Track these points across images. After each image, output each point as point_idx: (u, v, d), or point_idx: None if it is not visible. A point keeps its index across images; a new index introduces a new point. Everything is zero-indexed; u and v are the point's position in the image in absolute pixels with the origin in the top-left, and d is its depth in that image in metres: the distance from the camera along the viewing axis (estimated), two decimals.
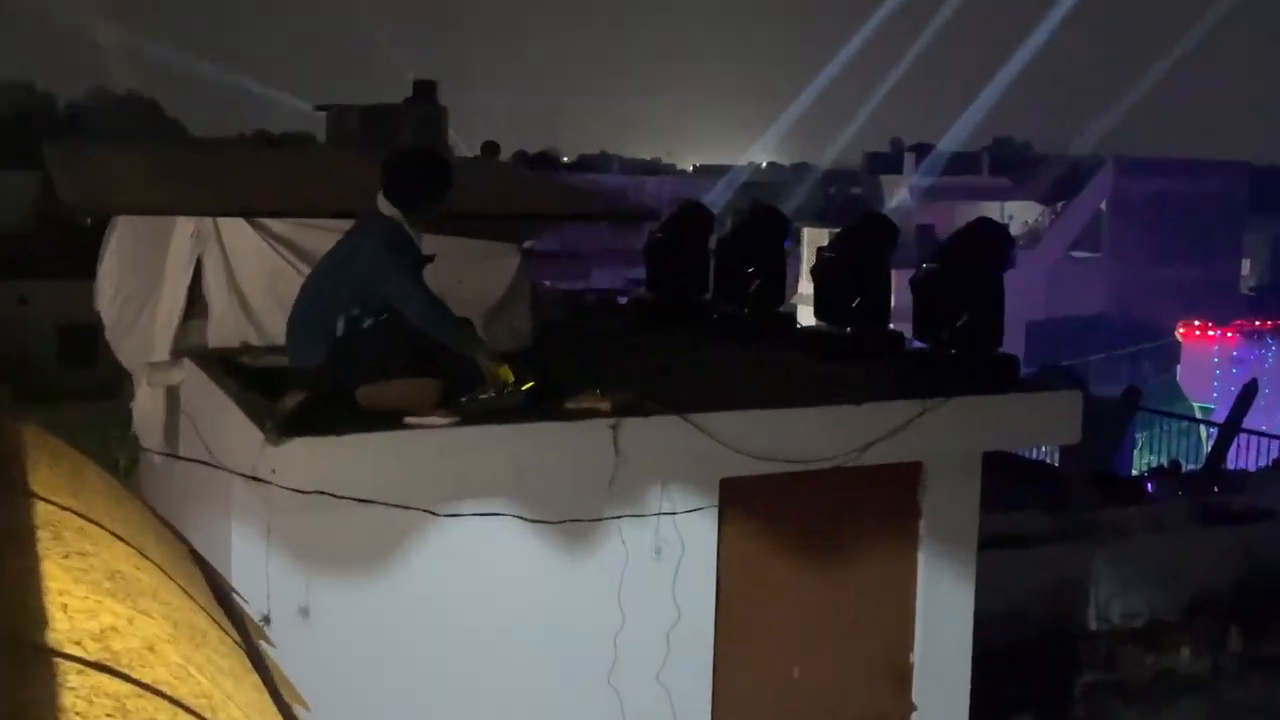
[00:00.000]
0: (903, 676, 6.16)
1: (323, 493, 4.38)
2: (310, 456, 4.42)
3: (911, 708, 6.17)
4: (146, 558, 1.87)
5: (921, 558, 6.13)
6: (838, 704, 6.04)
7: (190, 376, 5.85)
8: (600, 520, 5.31)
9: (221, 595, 2.36)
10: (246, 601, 3.28)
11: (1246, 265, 44.56)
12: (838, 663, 6.01)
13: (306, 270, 5.61)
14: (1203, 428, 18.63)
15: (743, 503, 5.65)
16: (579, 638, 5.38)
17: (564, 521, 5.25)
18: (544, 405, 4.98)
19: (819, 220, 36.46)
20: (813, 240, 31.32)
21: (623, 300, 10.91)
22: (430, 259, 5.20)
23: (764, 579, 5.82)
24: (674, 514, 5.47)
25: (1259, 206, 43.84)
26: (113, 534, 1.85)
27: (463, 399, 4.88)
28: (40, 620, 1.35)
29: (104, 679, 1.26)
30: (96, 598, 1.48)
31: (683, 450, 5.08)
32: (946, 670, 6.24)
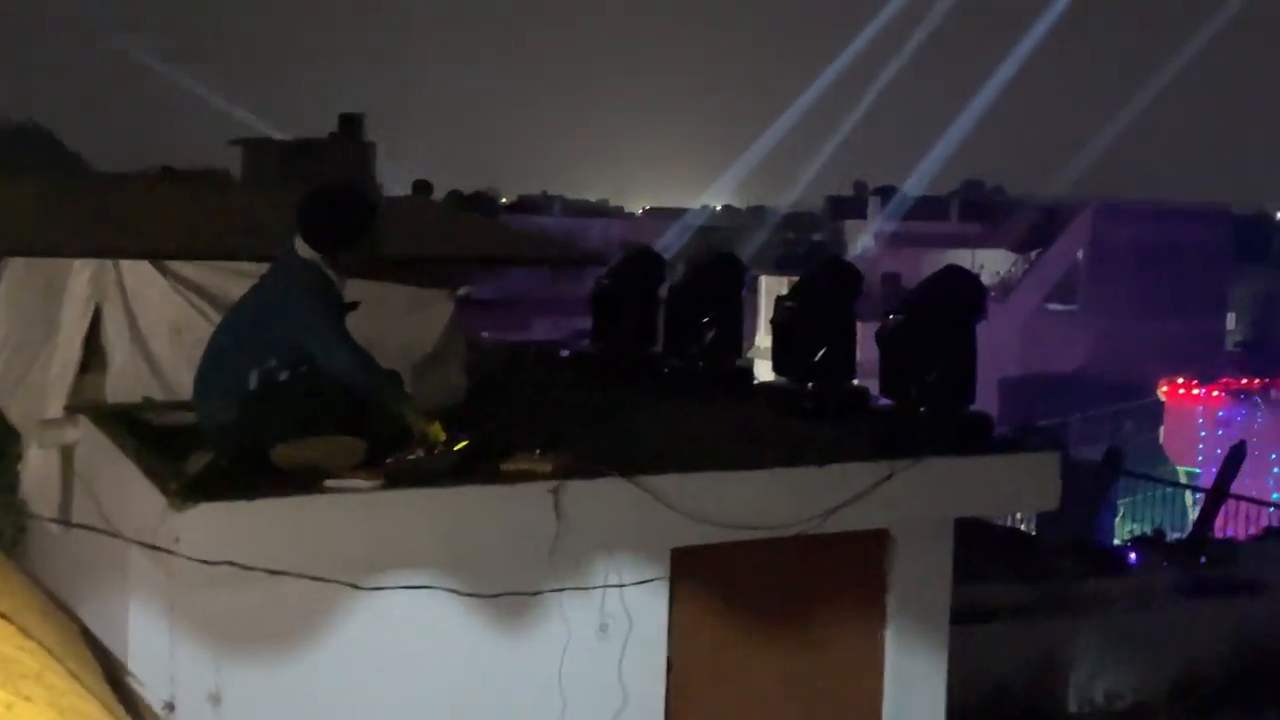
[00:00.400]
0: None
1: (232, 564, 4.30)
2: (218, 523, 4.34)
3: None
4: (30, 637, 1.81)
5: (889, 633, 6.12)
6: None
7: (86, 435, 5.75)
8: (540, 594, 5.25)
9: (114, 678, 2.30)
10: (144, 686, 3.20)
11: (1231, 319, 45.40)
12: None
13: (217, 318, 5.55)
14: (1189, 493, 18.85)
15: (696, 574, 5.61)
16: None
17: (500, 595, 5.19)
18: (478, 467, 4.94)
19: (777, 268, 36.80)
20: (771, 289, 31.58)
21: (566, 353, 10.88)
22: (354, 306, 5.16)
23: (719, 657, 5.78)
24: (621, 586, 5.42)
25: (1243, 256, 44.79)
26: None
27: (389, 460, 4.82)
28: None
29: None
30: None
31: (630, 516, 5.05)
32: None
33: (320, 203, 5.25)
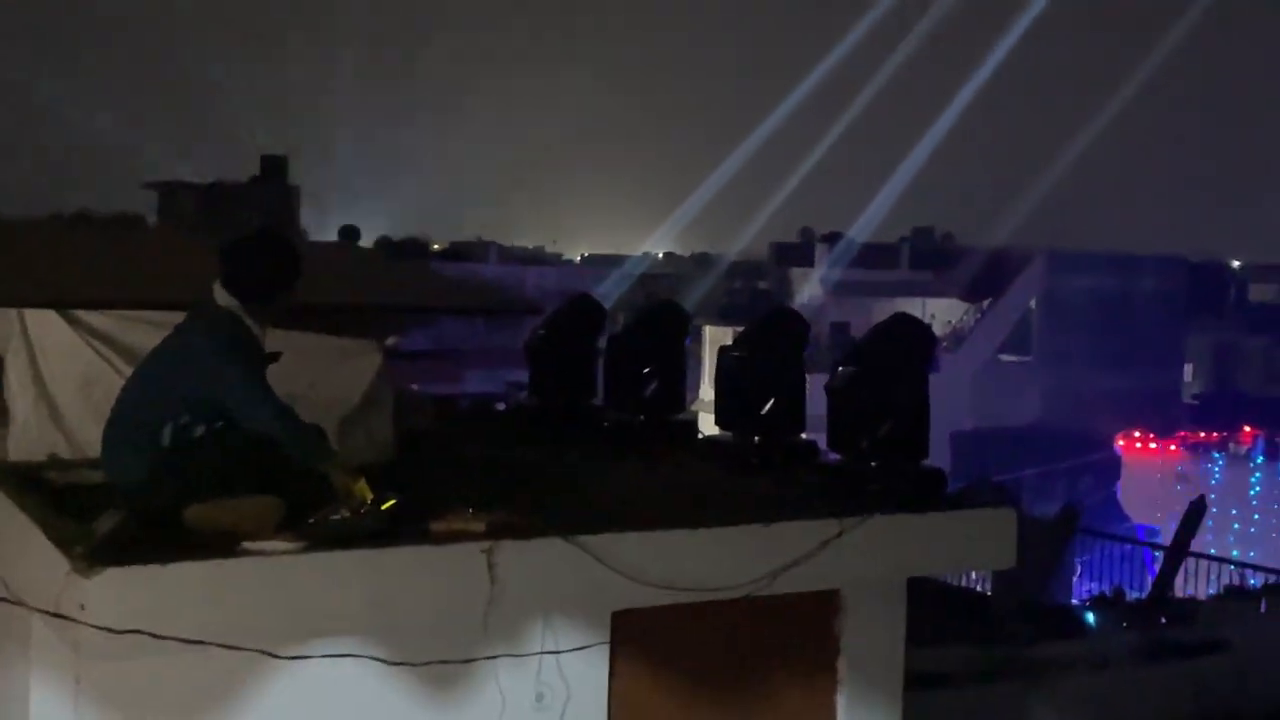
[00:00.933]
0: None
1: (142, 632, 4.21)
2: (128, 589, 4.25)
3: None
4: None
5: (841, 700, 6.10)
6: None
7: None
8: (472, 661, 5.20)
9: None
10: None
11: (1189, 370, 46.16)
12: None
13: (129, 371, 5.47)
14: (1148, 551, 19.06)
15: (638, 638, 5.58)
16: None
17: (429, 664, 5.12)
18: (406, 527, 4.88)
19: (722, 317, 37.04)
20: (715, 339, 31.73)
21: (501, 406, 10.84)
22: (276, 357, 5.10)
23: None
24: (558, 653, 5.38)
25: (1199, 308, 45.62)
26: None
27: (311, 520, 4.75)
28: None
29: None
30: None
31: (569, 578, 5.01)
32: None
33: (243, 249, 5.18)
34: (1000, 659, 9.90)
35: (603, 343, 7.94)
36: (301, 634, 4.76)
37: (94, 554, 4.27)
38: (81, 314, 5.97)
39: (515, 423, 8.46)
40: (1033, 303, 41.77)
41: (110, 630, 4.17)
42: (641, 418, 7.39)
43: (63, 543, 4.43)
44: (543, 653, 5.34)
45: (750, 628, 5.80)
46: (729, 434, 6.90)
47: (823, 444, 6.71)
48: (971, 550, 6.43)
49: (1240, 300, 53.86)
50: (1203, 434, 28.27)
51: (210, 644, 4.40)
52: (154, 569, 4.32)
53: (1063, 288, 41.16)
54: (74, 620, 4.18)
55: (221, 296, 5.04)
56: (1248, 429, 27.74)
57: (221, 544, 4.54)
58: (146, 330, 5.73)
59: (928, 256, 47.92)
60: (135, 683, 4.72)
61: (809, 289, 43.77)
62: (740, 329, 7.68)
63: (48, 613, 4.32)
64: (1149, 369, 40.64)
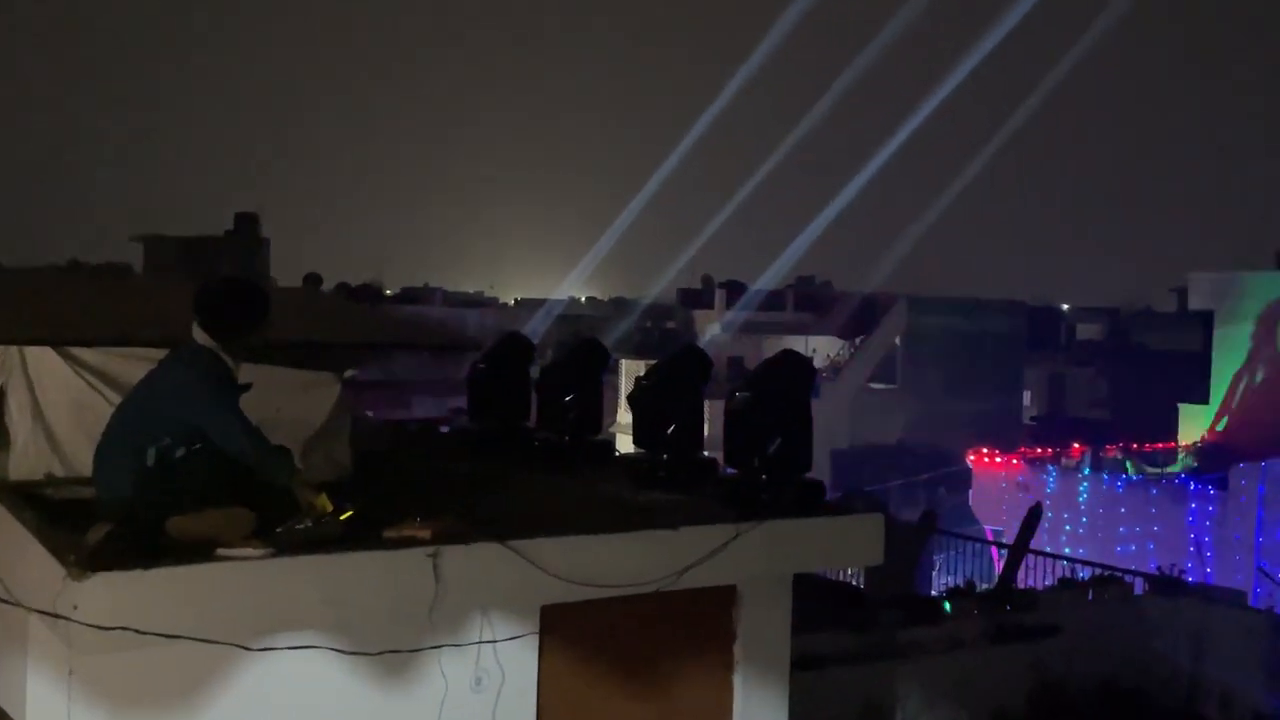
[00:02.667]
0: None
1: (127, 629, 4.12)
2: (115, 591, 4.16)
3: None
4: None
5: (737, 680, 6.12)
6: None
7: None
8: (419, 651, 5.14)
9: None
10: None
11: (1027, 396, 46.99)
12: None
13: (117, 400, 5.36)
14: (994, 549, 19.32)
15: (563, 629, 5.56)
16: None
17: (382, 653, 5.06)
18: (362, 534, 4.82)
19: (636, 352, 37.06)
20: (630, 371, 31.75)
21: (445, 429, 10.76)
22: (247, 388, 5.04)
23: (585, 705, 5.70)
24: (494, 642, 5.34)
25: (1036, 344, 46.54)
26: None
27: (278, 529, 4.69)
28: None
29: None
30: None
31: (503, 578, 4.98)
32: None
33: (215, 294, 5.12)
34: (872, 643, 9.97)
35: (534, 373, 7.92)
36: (269, 629, 4.69)
37: (85, 561, 4.18)
38: (75, 350, 5.85)
39: (457, 443, 8.40)
40: (897, 340, 42.32)
41: (100, 628, 4.08)
42: (566, 438, 7.37)
43: (58, 551, 4.33)
44: (480, 642, 5.30)
45: (660, 618, 5.80)
46: (641, 452, 6.90)
47: (722, 461, 6.75)
48: (847, 550, 6.48)
49: (1069, 338, 55.01)
50: (1039, 450, 28.70)
51: (188, 638, 4.32)
52: (138, 573, 4.23)
53: (922, 327, 41.77)
54: (67, 619, 4.09)
55: (199, 336, 4.98)
56: (1076, 445, 28.23)
57: (199, 551, 4.46)
58: (133, 364, 5.63)
59: (810, 300, 48.47)
60: (122, 674, 4.62)
61: (710, 328, 43.99)
62: (652, 362, 7.71)
63: (44, 613, 4.22)
64: (994, 395, 41.34)
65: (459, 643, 5.23)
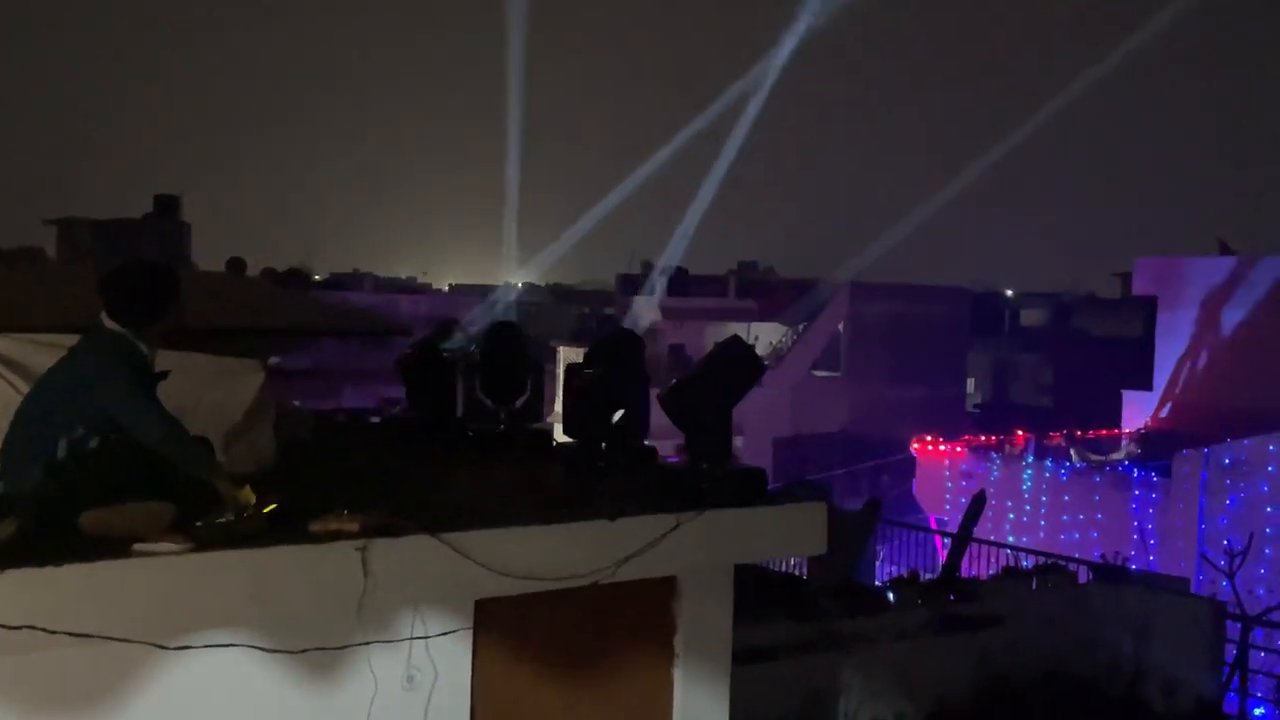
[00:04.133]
0: None
1: (34, 628, 4.03)
2: (23, 589, 4.05)
3: None
4: None
5: (678, 673, 6.12)
6: None
7: None
8: (347, 648, 5.08)
9: None
10: None
11: (971, 384, 47.58)
12: None
13: (25, 389, 5.24)
14: (938, 538, 19.56)
15: (498, 624, 5.52)
16: None
17: (307, 650, 4.99)
18: (287, 528, 4.76)
19: (573, 340, 36.97)
20: (568, 358, 31.63)
21: (377, 419, 10.66)
22: (164, 375, 4.95)
23: (521, 702, 5.68)
24: (426, 638, 5.29)
25: (979, 330, 47.11)
26: None
27: (198, 523, 4.61)
28: None
29: None
30: None
31: (436, 571, 4.93)
32: None
33: (120, 279, 4.99)
34: (816, 633, 10.03)
35: (467, 361, 7.86)
36: (189, 627, 4.60)
37: None
38: None
39: (388, 433, 8.33)
40: (840, 326, 42.61)
41: (7, 627, 3.98)
42: (501, 427, 7.34)
43: None
44: (412, 639, 5.25)
45: (599, 611, 5.79)
46: (579, 441, 6.87)
47: (663, 449, 6.75)
48: (789, 539, 6.50)
49: (1013, 324, 55.72)
50: (983, 438, 29.06)
51: (102, 638, 4.24)
52: (48, 571, 4.13)
53: (865, 314, 42.06)
54: None
55: (109, 321, 4.89)
56: (1020, 433, 28.61)
57: (114, 547, 4.37)
58: (44, 351, 5.51)
59: (752, 287, 48.62)
60: (31, 676, 4.51)
61: (649, 315, 44.01)
62: (586, 348, 7.68)
63: None
64: (937, 382, 41.80)
65: (389, 639, 5.18)
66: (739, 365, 6.37)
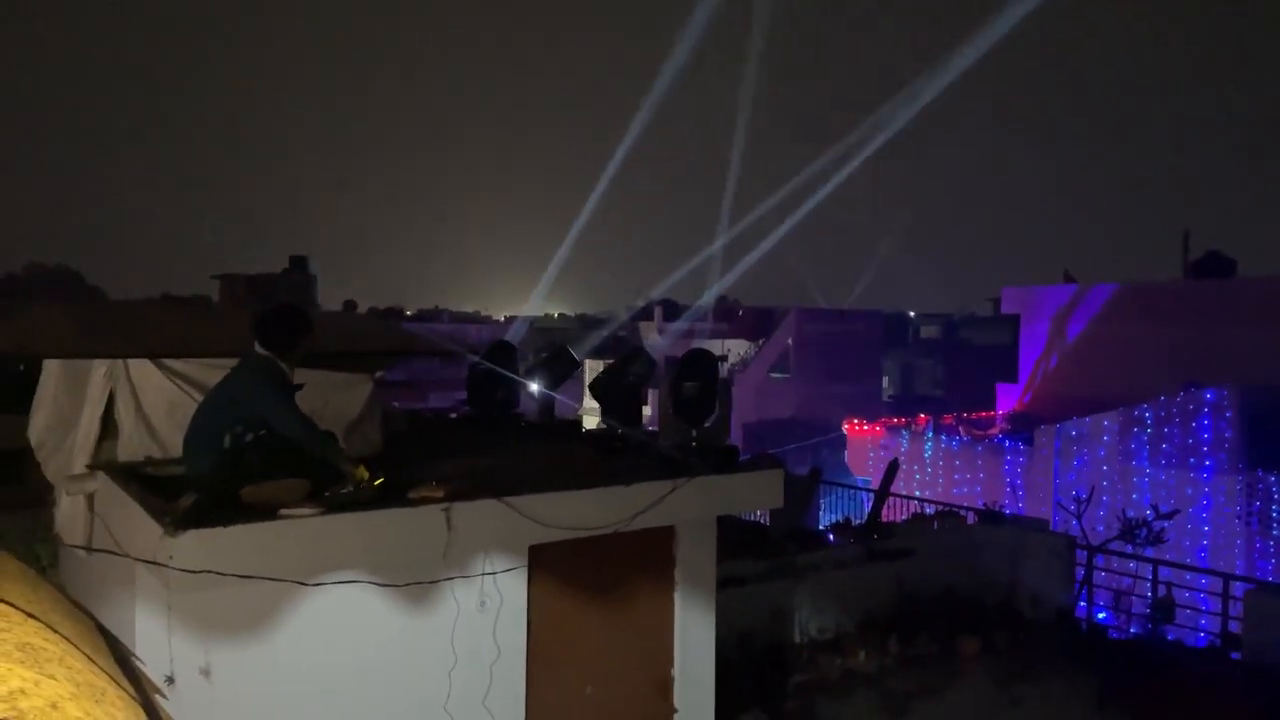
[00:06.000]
0: (666, 687, 6.09)
1: (212, 572, 4.05)
2: (202, 544, 4.09)
3: (673, 710, 6.09)
4: (55, 631, 1.66)
5: (677, 597, 6.13)
6: (621, 711, 5.91)
7: (103, 485, 5.36)
8: (436, 582, 5.11)
9: (122, 659, 2.12)
10: (145, 663, 2.96)
11: (886, 381, 47.49)
12: (619, 680, 5.90)
13: (199, 398, 5.27)
14: (864, 494, 19.53)
15: (547, 562, 5.54)
16: (421, 675, 5.11)
17: (408, 584, 5.02)
18: (391, 496, 4.78)
19: (596, 355, 36.97)
20: (593, 369, 31.65)
21: (454, 415, 10.67)
22: (300, 387, 4.98)
23: (563, 620, 5.69)
24: (494, 574, 5.31)
25: (890, 342, 47.03)
26: (25, 613, 1.64)
27: (326, 493, 4.63)
28: None
29: None
30: (7, 665, 1.30)
31: (500, 525, 4.96)
32: (697, 679, 6.22)
33: (269, 317, 5.04)
34: (776, 565, 10.03)
35: (521, 371, 7.89)
36: (321, 569, 4.63)
37: (178, 521, 4.11)
38: (167, 361, 5.75)
39: (463, 426, 8.35)
40: (790, 340, 42.61)
41: (190, 571, 4.01)
42: (546, 419, 7.35)
43: (157, 514, 4.25)
44: (483, 574, 5.27)
45: (619, 552, 5.81)
46: (601, 428, 6.89)
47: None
48: (756, 497, 6.53)
49: (915, 337, 55.63)
50: (895, 420, 29.04)
51: (259, 578, 4.26)
52: (220, 530, 4.17)
53: (808, 330, 42.03)
54: (165, 566, 4.01)
55: (259, 349, 4.91)
56: (922, 416, 28.61)
57: (266, 512, 4.40)
58: (211, 371, 5.54)
59: (725, 313, 48.66)
60: (210, 606, 4.54)
61: (651, 337, 44.02)
62: (608, 362, 7.70)
63: (147, 561, 4.13)
64: (861, 381, 41.73)
65: (466, 575, 5.20)
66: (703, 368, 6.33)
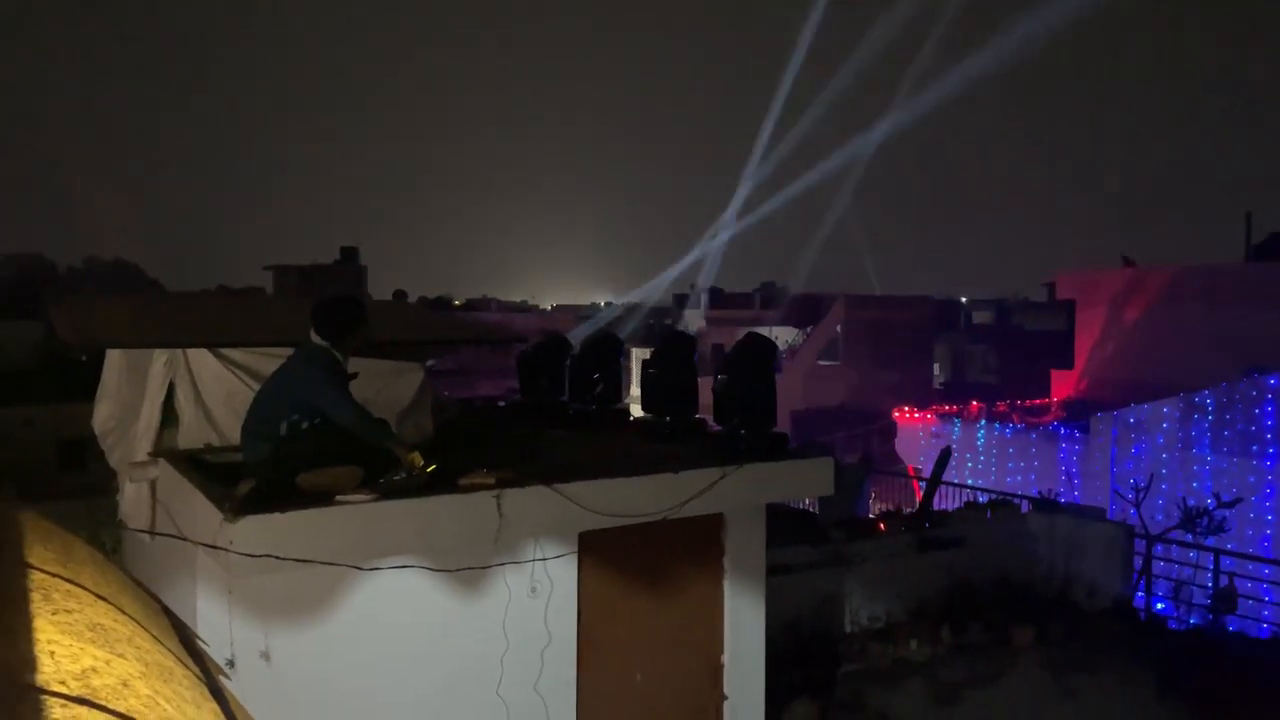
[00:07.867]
0: (716, 673, 6.09)
1: (270, 556, 4.13)
2: (260, 530, 4.17)
3: (723, 697, 6.09)
4: (123, 612, 1.70)
5: (726, 584, 6.12)
6: (671, 698, 5.93)
7: (164, 472, 5.50)
8: (488, 567, 5.15)
9: (186, 640, 2.17)
10: (208, 645, 3.04)
11: (936, 368, 46.85)
12: (669, 666, 5.91)
13: (256, 387, 5.37)
14: (915, 482, 19.30)
15: (596, 549, 5.56)
16: (474, 659, 5.17)
17: (460, 570, 5.08)
18: (443, 482, 4.83)
19: (643, 342, 36.98)
20: (639, 356, 31.64)
21: (502, 404, 10.75)
22: (354, 376, 5.04)
23: (612, 606, 5.72)
24: (544, 560, 5.35)
25: (942, 328, 46.36)
26: (95, 594, 1.69)
27: (380, 480, 4.69)
28: (30, 664, 1.21)
29: (83, 710, 1.13)
30: (80, 645, 1.34)
31: (550, 511, 4.99)
32: (747, 667, 6.21)
33: (325, 307, 5.10)
34: (826, 554, 9.96)
35: (568, 360, 7.91)
36: (376, 554, 4.70)
37: (237, 507, 4.19)
38: (224, 350, 5.86)
39: (512, 413, 8.40)
40: (838, 328, 42.20)
41: (250, 555, 4.09)
42: (593, 408, 7.37)
43: (216, 500, 4.34)
44: (534, 560, 5.31)
45: (667, 539, 5.81)
46: (650, 416, 6.89)
47: (711, 420, 6.73)
48: (806, 485, 6.49)
49: (967, 323, 54.78)
50: (946, 407, 28.65)
51: (316, 562, 4.33)
52: (277, 516, 4.25)
53: (856, 318, 41.61)
54: (226, 550, 4.10)
55: (314, 339, 4.97)
56: (974, 403, 28.19)
57: (322, 498, 4.47)
58: (267, 361, 5.64)
59: (771, 299, 48.34)
60: (269, 590, 4.63)
61: (698, 324, 43.90)
62: (654, 349, 7.66)
63: (208, 545, 4.23)
64: (911, 367, 41.20)
65: (518, 561, 5.24)
66: (762, 357, 6.31)
